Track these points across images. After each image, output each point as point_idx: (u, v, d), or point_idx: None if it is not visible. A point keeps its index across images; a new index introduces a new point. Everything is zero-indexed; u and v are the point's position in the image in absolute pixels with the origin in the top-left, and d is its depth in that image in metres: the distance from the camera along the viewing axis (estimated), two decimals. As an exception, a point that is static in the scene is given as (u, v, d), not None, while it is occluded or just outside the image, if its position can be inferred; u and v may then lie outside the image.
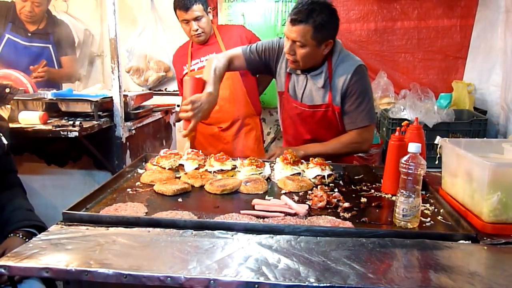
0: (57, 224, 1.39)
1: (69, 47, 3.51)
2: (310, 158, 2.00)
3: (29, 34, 3.30)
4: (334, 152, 2.21)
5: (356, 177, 1.94)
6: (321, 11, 1.98)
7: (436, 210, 1.59)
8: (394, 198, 1.59)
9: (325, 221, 1.45)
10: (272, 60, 2.31)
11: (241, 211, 1.51)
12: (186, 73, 3.04)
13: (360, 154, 3.30)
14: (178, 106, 3.36)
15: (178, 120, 3.32)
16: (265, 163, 2.04)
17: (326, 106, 2.21)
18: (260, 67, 2.35)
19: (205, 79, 2.06)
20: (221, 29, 3.07)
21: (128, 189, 1.76)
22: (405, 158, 1.42)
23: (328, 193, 1.66)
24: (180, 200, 1.66)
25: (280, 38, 2.29)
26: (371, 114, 2.20)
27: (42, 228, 1.74)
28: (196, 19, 2.83)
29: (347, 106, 2.18)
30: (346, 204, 1.59)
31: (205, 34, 2.91)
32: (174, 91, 4.19)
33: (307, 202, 1.64)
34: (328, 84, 2.17)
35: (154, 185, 1.78)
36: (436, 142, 1.68)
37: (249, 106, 3.06)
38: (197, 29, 2.85)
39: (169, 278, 1.07)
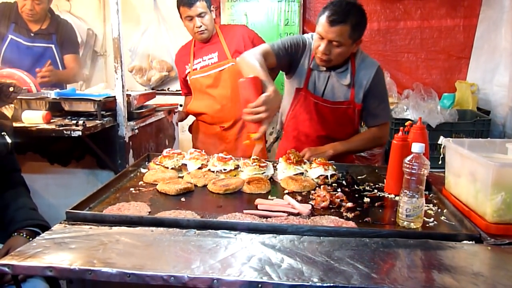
0: (60, 223, 1.39)
1: (72, 46, 3.51)
2: (313, 158, 2.00)
3: (32, 34, 3.31)
4: (358, 148, 2.37)
5: (359, 177, 1.94)
6: (356, 12, 2.07)
7: (439, 210, 1.59)
8: (397, 198, 1.59)
9: (328, 221, 1.45)
10: (296, 56, 2.31)
11: (244, 211, 1.51)
12: (189, 72, 3.04)
13: (362, 154, 3.31)
14: (180, 105, 3.37)
15: (181, 119, 3.33)
16: (268, 163, 2.04)
17: (348, 103, 2.28)
18: (286, 63, 2.32)
19: (261, 77, 1.91)
20: (223, 29, 3.07)
21: (131, 189, 1.77)
22: (409, 158, 1.42)
23: (331, 193, 1.66)
24: (183, 199, 1.66)
25: (303, 35, 2.35)
26: (389, 111, 2.38)
27: (45, 227, 1.75)
28: (200, 15, 2.84)
29: (369, 104, 2.28)
30: (349, 204, 1.58)
31: (208, 31, 2.91)
32: (177, 90, 4.20)
33: (310, 202, 1.64)
34: (352, 82, 2.24)
35: (157, 184, 1.78)
36: (439, 142, 1.67)
37: None
38: (201, 26, 2.86)
39: (172, 278, 1.07)
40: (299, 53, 2.30)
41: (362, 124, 2.48)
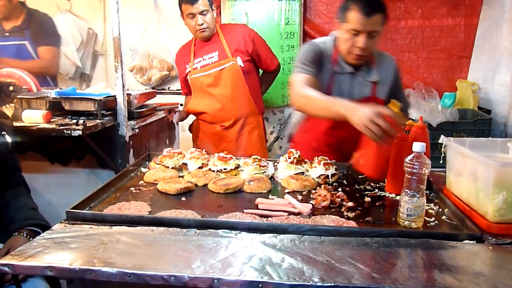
0: (60, 222, 1.39)
1: (45, 38, 3.45)
2: (314, 157, 2.00)
3: (6, 34, 3.31)
4: None
5: (360, 177, 1.94)
6: None
7: (440, 209, 1.59)
8: (398, 197, 1.59)
9: (329, 220, 1.44)
10: (319, 65, 2.16)
11: (245, 210, 1.50)
12: (189, 71, 3.04)
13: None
14: (181, 105, 3.36)
15: (181, 119, 3.33)
16: (269, 162, 2.04)
17: (370, 100, 2.17)
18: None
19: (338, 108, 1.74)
20: (224, 28, 3.07)
21: (132, 188, 1.76)
22: (410, 157, 1.42)
23: (332, 192, 1.66)
24: (183, 199, 1.66)
25: (309, 43, 2.23)
26: None
27: (46, 227, 1.74)
28: (202, 13, 2.85)
29: (398, 97, 2.09)
30: (350, 204, 1.58)
31: (209, 29, 2.92)
32: (177, 90, 4.19)
33: (311, 201, 1.64)
34: (378, 78, 2.21)
35: (157, 184, 1.78)
36: (440, 141, 1.67)
37: (251, 105, 3.06)
38: (202, 23, 2.87)
39: (172, 277, 1.07)
40: (321, 60, 2.17)
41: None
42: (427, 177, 1.44)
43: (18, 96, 2.23)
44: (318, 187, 1.77)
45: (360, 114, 1.57)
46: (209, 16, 2.88)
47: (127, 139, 2.48)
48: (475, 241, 1.31)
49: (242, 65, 2.96)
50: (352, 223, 1.42)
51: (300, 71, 2.10)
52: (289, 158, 1.95)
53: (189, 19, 2.89)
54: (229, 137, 3.08)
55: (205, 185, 1.81)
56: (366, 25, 1.98)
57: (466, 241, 1.31)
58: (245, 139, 3.08)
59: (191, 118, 3.34)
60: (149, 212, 1.50)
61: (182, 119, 3.35)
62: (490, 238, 1.32)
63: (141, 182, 1.85)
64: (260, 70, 3.22)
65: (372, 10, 1.97)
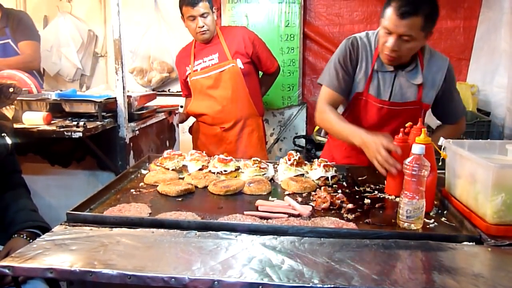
0: (61, 224, 1.39)
1: (24, 33, 3.45)
2: (313, 159, 2.00)
3: None
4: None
5: (360, 178, 1.94)
6: (429, 2, 1.86)
7: (440, 211, 1.59)
8: (397, 199, 1.59)
9: (329, 222, 1.45)
10: (354, 66, 2.11)
11: (245, 212, 1.51)
12: (189, 73, 3.05)
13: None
14: (181, 107, 3.37)
15: (181, 121, 3.34)
16: (269, 164, 2.04)
17: (415, 104, 2.09)
18: (350, 83, 2.13)
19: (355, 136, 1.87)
20: (224, 30, 3.08)
21: (132, 190, 1.77)
22: (409, 159, 1.42)
23: (331, 194, 1.66)
24: (183, 200, 1.66)
25: (349, 38, 2.12)
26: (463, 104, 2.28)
27: (46, 229, 1.74)
28: (202, 15, 2.85)
29: (447, 103, 2.13)
30: (350, 205, 1.59)
31: (209, 32, 2.92)
32: (177, 92, 4.20)
33: (311, 203, 1.64)
34: (422, 80, 2.05)
35: (157, 185, 1.78)
36: (439, 143, 1.68)
37: (251, 107, 3.07)
38: (203, 26, 2.87)
39: (173, 279, 1.07)
40: (355, 60, 2.10)
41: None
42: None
43: (18, 98, 2.23)
44: (318, 189, 1.77)
45: (370, 148, 1.77)
46: (209, 18, 2.89)
47: (127, 141, 2.49)
48: (474, 243, 1.31)
49: (242, 67, 2.97)
50: (352, 225, 1.43)
51: (327, 83, 2.10)
52: (289, 160, 1.96)
53: (190, 22, 2.89)
54: (229, 139, 3.08)
55: (205, 187, 1.81)
56: (398, 27, 1.83)
57: (465, 243, 1.31)
58: (245, 140, 3.09)
59: (191, 120, 3.34)
60: (149, 214, 1.51)
61: (182, 121, 3.35)
62: (489, 239, 1.33)
63: (141, 184, 1.85)
64: (260, 72, 3.23)
65: (407, 12, 1.80)
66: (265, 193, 1.76)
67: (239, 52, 2.97)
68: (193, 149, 2.45)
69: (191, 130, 3.34)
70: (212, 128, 3.11)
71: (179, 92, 4.15)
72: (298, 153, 2.01)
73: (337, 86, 2.09)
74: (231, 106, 3.01)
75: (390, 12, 1.84)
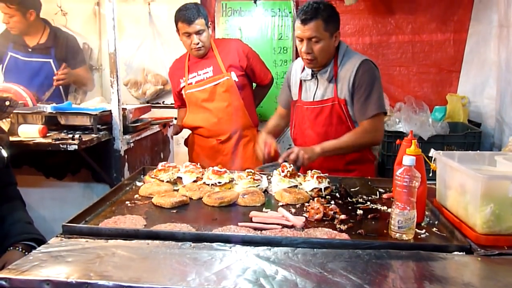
0: (56, 236, 1.40)
1: (76, 59, 3.55)
2: (308, 171, 2.03)
3: (30, 50, 3.36)
4: (348, 145, 2.27)
5: (352, 190, 1.97)
6: (325, 8, 2.22)
7: (431, 221, 1.62)
8: (389, 210, 1.62)
9: (322, 233, 1.47)
10: (290, 83, 2.59)
11: (239, 223, 1.53)
12: (184, 86, 3.07)
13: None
14: (175, 119, 3.39)
15: (176, 133, 3.35)
16: (262, 175, 2.06)
17: (333, 100, 2.34)
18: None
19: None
20: (218, 43, 3.11)
21: (127, 202, 1.78)
22: (400, 170, 1.45)
23: (324, 205, 1.68)
24: (178, 212, 1.68)
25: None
26: (380, 102, 2.31)
27: (41, 241, 1.74)
28: (198, 32, 2.88)
29: (356, 99, 2.31)
30: (343, 216, 1.61)
31: (205, 48, 2.95)
32: (171, 104, 4.20)
33: (304, 214, 1.66)
34: (334, 77, 2.34)
35: (152, 197, 1.80)
36: (430, 154, 1.70)
37: (246, 118, 3.10)
38: (198, 43, 2.90)
39: (168, 290, 1.09)
40: (289, 78, 2.58)
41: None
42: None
43: (14, 111, 2.24)
44: (311, 200, 1.79)
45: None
46: (205, 35, 2.92)
47: (122, 153, 2.50)
48: (464, 253, 1.34)
49: (237, 79, 3.00)
50: (345, 236, 1.45)
51: (278, 101, 2.76)
52: (283, 171, 1.98)
53: (185, 37, 2.92)
54: (225, 151, 3.10)
55: (200, 198, 1.82)
56: (304, 32, 2.20)
57: (455, 253, 1.33)
58: (241, 152, 3.10)
59: (186, 132, 3.36)
60: (144, 225, 1.52)
61: (176, 133, 3.37)
62: (479, 249, 1.35)
63: (136, 196, 1.87)
64: (253, 83, 3.26)
65: (307, 18, 2.18)
66: (259, 205, 1.77)
67: (233, 65, 3.00)
68: (189, 161, 2.46)
69: (186, 142, 3.36)
70: (208, 140, 3.13)
71: (173, 104, 4.17)
72: (291, 165, 2.04)
73: (286, 101, 2.64)
74: (226, 118, 3.03)
75: (297, 23, 2.24)
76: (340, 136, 2.29)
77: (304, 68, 2.45)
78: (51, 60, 3.41)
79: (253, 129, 3.19)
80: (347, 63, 2.32)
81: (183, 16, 2.84)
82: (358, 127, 2.32)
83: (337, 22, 2.29)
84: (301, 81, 2.48)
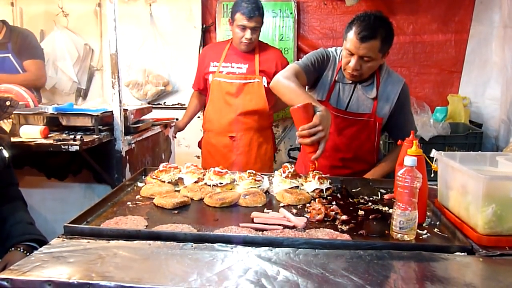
0: (58, 237, 1.40)
1: (29, 52, 3.57)
2: (309, 172, 2.02)
3: None
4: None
5: (354, 190, 1.97)
6: (385, 25, 2.09)
7: (432, 222, 1.62)
8: (391, 210, 1.62)
9: (323, 233, 1.47)
10: (322, 70, 2.32)
11: (240, 224, 1.52)
12: (214, 72, 3.06)
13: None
14: (177, 119, 3.39)
15: (179, 129, 3.35)
16: (264, 176, 2.06)
17: (369, 116, 2.27)
18: (313, 79, 2.33)
19: (307, 101, 1.90)
20: (261, 46, 3.12)
21: (128, 203, 1.78)
22: (402, 171, 1.45)
23: (326, 206, 1.68)
24: (179, 213, 1.68)
25: (324, 49, 2.35)
26: (414, 123, 2.44)
27: (43, 242, 1.75)
28: (254, 28, 2.90)
29: (398, 118, 2.29)
30: (344, 217, 1.60)
31: (252, 45, 2.98)
32: (172, 105, 4.24)
33: (305, 215, 1.66)
34: (377, 94, 2.25)
35: (153, 198, 1.80)
36: (431, 155, 1.70)
37: (264, 121, 3.12)
38: (251, 38, 2.92)
39: (170, 291, 1.09)
40: (324, 66, 2.32)
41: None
42: (419, 191, 1.47)
43: (15, 112, 2.25)
44: (312, 201, 1.79)
45: (323, 119, 1.82)
46: (258, 33, 2.94)
47: (123, 154, 2.51)
48: (466, 253, 1.33)
49: (266, 86, 3.00)
50: (346, 236, 1.45)
51: (297, 63, 2.25)
52: (284, 172, 1.98)
53: (239, 29, 2.91)
54: (239, 150, 3.09)
55: (201, 199, 1.82)
56: (359, 49, 2.06)
57: (457, 253, 1.33)
58: (254, 152, 3.10)
59: (188, 131, 3.35)
60: (146, 226, 1.52)
61: (180, 130, 3.36)
62: (480, 250, 1.35)
63: (137, 196, 1.87)
64: None
65: (366, 36, 2.03)
66: (260, 205, 1.77)
67: (267, 72, 3.01)
68: (201, 164, 2.44)
69: (200, 144, 3.35)
70: (221, 138, 3.12)
71: (175, 105, 4.19)
72: (293, 165, 2.04)
73: (305, 68, 2.22)
74: (244, 117, 3.03)
75: (351, 36, 2.07)
76: (362, 152, 2.33)
77: (340, 69, 2.28)
78: (9, 55, 3.47)
79: (267, 130, 3.20)
80: (390, 83, 2.26)
81: (244, 9, 2.86)
82: (396, 149, 2.20)
83: (391, 42, 2.16)
84: (334, 82, 2.31)
